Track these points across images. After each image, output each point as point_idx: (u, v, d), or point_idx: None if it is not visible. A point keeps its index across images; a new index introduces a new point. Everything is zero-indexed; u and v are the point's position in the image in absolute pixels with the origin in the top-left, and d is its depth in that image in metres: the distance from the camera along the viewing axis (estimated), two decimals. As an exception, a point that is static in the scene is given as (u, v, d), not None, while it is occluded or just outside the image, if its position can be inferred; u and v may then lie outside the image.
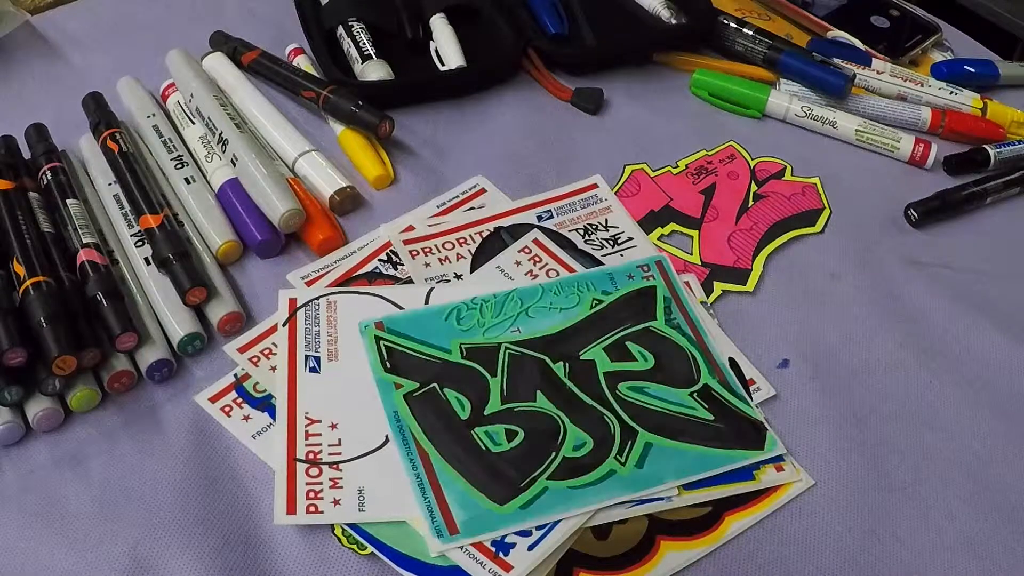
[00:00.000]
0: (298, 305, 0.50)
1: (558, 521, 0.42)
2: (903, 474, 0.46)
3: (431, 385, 0.47)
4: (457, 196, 0.58)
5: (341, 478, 0.43)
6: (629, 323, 0.50)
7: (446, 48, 0.66)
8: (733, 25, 0.68)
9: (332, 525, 0.43)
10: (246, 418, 0.47)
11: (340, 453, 0.44)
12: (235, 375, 0.48)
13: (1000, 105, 0.65)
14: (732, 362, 0.50)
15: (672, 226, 0.57)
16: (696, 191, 0.59)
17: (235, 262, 0.54)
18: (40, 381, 0.45)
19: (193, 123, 0.60)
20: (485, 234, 0.55)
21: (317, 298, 0.51)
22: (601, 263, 0.53)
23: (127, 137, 0.58)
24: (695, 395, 0.48)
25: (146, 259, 0.51)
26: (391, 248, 0.54)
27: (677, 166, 0.61)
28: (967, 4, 1.09)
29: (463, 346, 0.48)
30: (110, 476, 0.45)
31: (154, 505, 0.43)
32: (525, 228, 0.55)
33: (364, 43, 0.65)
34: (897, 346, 0.51)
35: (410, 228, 0.55)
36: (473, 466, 0.44)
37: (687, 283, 0.53)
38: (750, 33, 0.67)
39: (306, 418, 0.46)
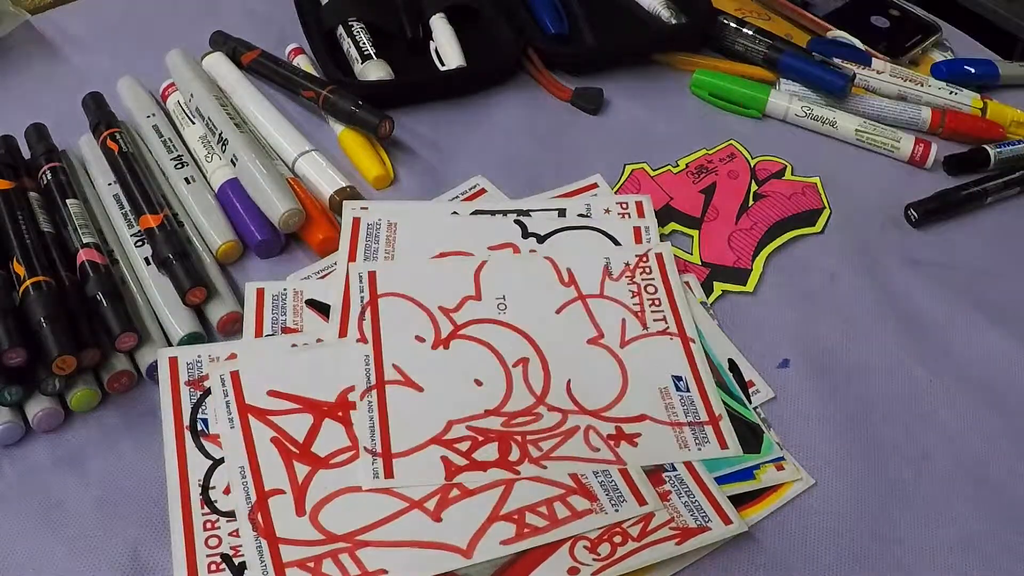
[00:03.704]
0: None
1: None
2: (903, 474, 0.46)
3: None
4: (457, 196, 0.58)
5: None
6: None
7: (446, 48, 0.66)
8: (733, 25, 0.68)
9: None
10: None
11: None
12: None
13: (1000, 105, 0.65)
14: (731, 363, 0.50)
15: (672, 225, 0.57)
16: (696, 190, 0.59)
17: (235, 262, 0.54)
18: (40, 381, 0.45)
19: (193, 123, 0.60)
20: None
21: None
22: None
23: (127, 137, 0.58)
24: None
25: (146, 259, 0.51)
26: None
27: (677, 165, 0.61)
28: (967, 4, 1.09)
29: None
30: (110, 476, 0.45)
31: (154, 505, 0.43)
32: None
33: (364, 43, 0.65)
34: (897, 346, 0.51)
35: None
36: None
37: (687, 283, 0.53)
38: (750, 33, 0.67)
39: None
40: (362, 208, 0.55)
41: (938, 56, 0.70)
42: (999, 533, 0.44)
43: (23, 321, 0.45)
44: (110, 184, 0.56)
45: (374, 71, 0.64)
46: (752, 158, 0.61)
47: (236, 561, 0.40)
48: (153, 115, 0.60)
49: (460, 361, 0.48)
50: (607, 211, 0.56)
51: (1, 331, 0.44)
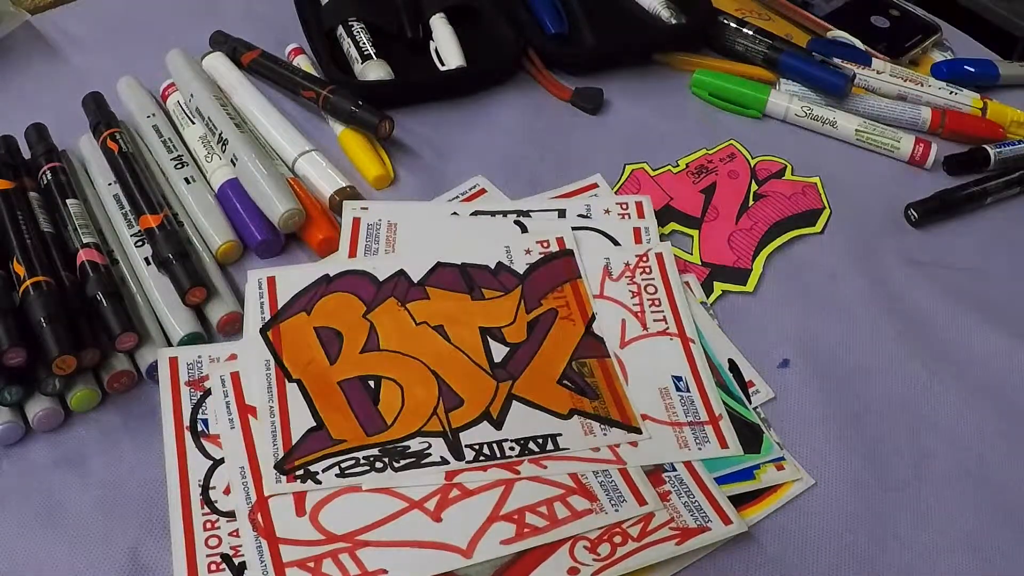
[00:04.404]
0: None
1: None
2: (903, 474, 0.46)
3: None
4: (457, 196, 0.58)
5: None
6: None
7: (446, 48, 0.66)
8: (733, 25, 0.68)
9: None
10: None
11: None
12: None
13: (1000, 105, 0.65)
14: (731, 363, 0.50)
15: (672, 225, 0.57)
16: (696, 190, 0.59)
17: (235, 262, 0.54)
18: (40, 381, 0.45)
19: (193, 123, 0.60)
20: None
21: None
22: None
23: (127, 137, 0.58)
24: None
25: (146, 259, 0.51)
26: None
27: (677, 165, 0.61)
28: (967, 4, 1.09)
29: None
30: (110, 476, 0.45)
31: (154, 505, 0.43)
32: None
33: (364, 43, 0.65)
34: (897, 346, 0.51)
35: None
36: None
37: (687, 283, 0.53)
38: (750, 33, 0.67)
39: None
40: (362, 208, 0.55)
41: (938, 56, 0.70)
42: (999, 533, 0.44)
43: (23, 321, 0.45)
44: (110, 184, 0.56)
45: (374, 71, 0.64)
46: (752, 158, 0.61)
47: (236, 561, 0.40)
48: (153, 115, 0.60)
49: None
50: (607, 212, 0.56)
51: (1, 331, 0.44)
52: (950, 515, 0.45)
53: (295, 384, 0.46)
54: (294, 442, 0.44)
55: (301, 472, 0.43)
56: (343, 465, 0.43)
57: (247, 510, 0.42)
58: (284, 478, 0.43)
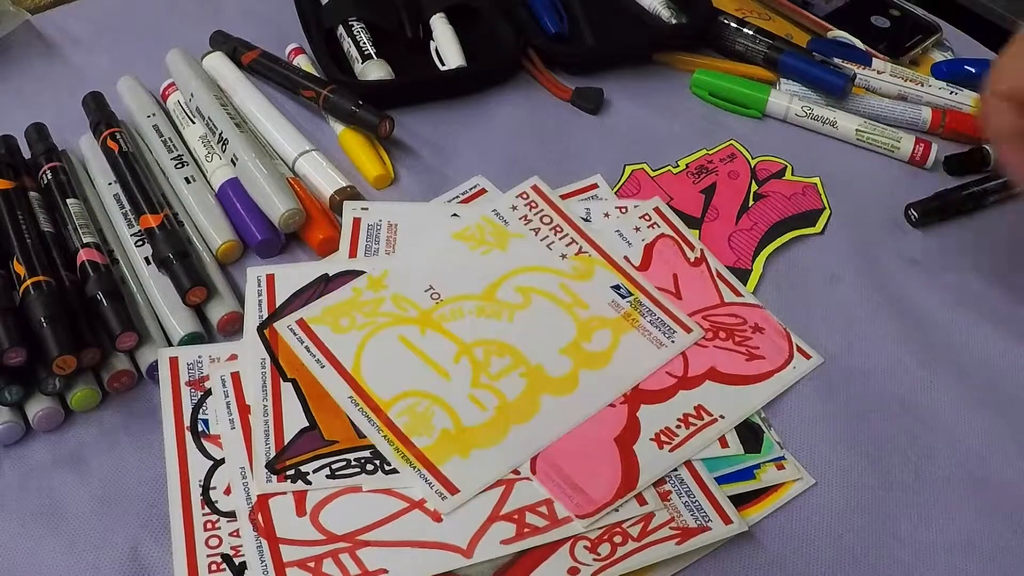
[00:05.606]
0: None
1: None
2: (903, 474, 0.46)
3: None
4: (457, 196, 0.58)
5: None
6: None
7: (446, 48, 0.66)
8: (733, 25, 0.68)
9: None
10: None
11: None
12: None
13: (1000, 105, 0.65)
14: (732, 362, 0.50)
15: (672, 226, 0.57)
16: (696, 190, 0.59)
17: (235, 262, 0.54)
18: (40, 381, 0.45)
19: (193, 123, 0.60)
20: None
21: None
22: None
23: (127, 137, 0.58)
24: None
25: (146, 259, 0.51)
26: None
27: (677, 165, 0.61)
28: (967, 4, 1.09)
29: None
30: (110, 476, 0.45)
31: (154, 505, 0.43)
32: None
33: (364, 43, 0.65)
34: (897, 346, 0.51)
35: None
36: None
37: (687, 283, 0.53)
38: (750, 33, 0.67)
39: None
40: (363, 208, 0.55)
41: (938, 56, 0.70)
42: (999, 533, 0.44)
43: (23, 321, 0.45)
44: (110, 184, 0.56)
45: (374, 71, 0.64)
46: (752, 158, 0.61)
47: (236, 561, 0.40)
48: (153, 115, 0.60)
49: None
50: (606, 215, 0.56)
51: (1, 331, 0.44)
52: (950, 515, 0.45)
53: (290, 383, 0.46)
54: (286, 442, 0.44)
55: (292, 472, 0.43)
56: (334, 466, 0.43)
57: (247, 510, 0.42)
58: (275, 478, 0.43)
